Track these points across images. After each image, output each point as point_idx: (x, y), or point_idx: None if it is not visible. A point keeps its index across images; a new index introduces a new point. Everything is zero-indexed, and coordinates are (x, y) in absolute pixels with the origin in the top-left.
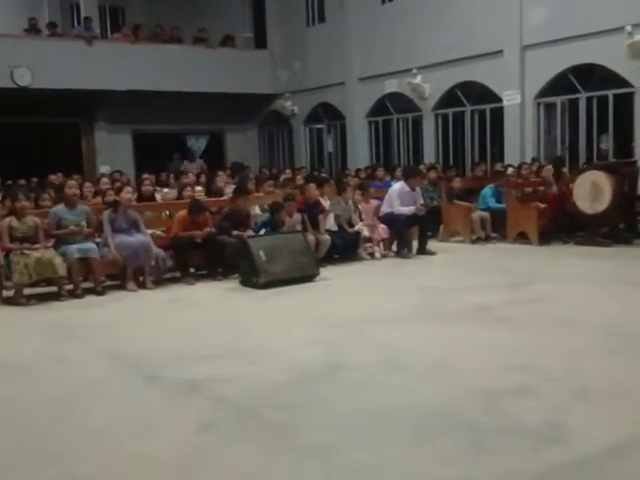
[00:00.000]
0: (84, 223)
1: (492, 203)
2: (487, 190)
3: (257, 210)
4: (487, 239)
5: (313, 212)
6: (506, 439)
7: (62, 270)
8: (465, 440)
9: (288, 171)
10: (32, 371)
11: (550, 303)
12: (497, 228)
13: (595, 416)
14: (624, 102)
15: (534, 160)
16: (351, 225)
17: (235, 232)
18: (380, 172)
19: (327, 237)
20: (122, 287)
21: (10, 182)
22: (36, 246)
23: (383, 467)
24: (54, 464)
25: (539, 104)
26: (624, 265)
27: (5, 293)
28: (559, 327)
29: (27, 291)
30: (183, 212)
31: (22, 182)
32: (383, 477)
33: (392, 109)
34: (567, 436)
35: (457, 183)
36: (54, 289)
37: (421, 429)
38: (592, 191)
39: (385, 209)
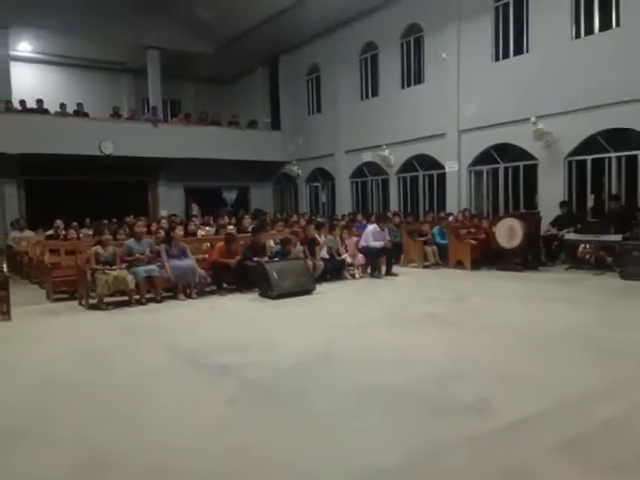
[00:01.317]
0: (148, 252)
1: (438, 239)
2: (435, 230)
3: (272, 243)
4: (435, 265)
5: (311, 245)
6: (450, 411)
7: (132, 285)
8: (422, 412)
9: (294, 216)
10: (109, 357)
11: (480, 312)
12: (442, 257)
13: (513, 395)
14: (530, 170)
15: (465, 210)
16: (338, 254)
17: (255, 259)
18: (359, 217)
19: (321, 263)
20: (174, 297)
21: (97, 222)
22: (114, 267)
23: (368, 431)
24: (123, 424)
25: (471, 171)
26: (532, 285)
27: (91, 301)
28: (487, 330)
29: (106, 300)
30: (221, 243)
31: (106, 222)
32: (369, 439)
33: (368, 173)
34: (493, 409)
35: (426, 227)
36: (126, 298)
37: (391, 404)
38: (509, 232)
39: (362, 243)
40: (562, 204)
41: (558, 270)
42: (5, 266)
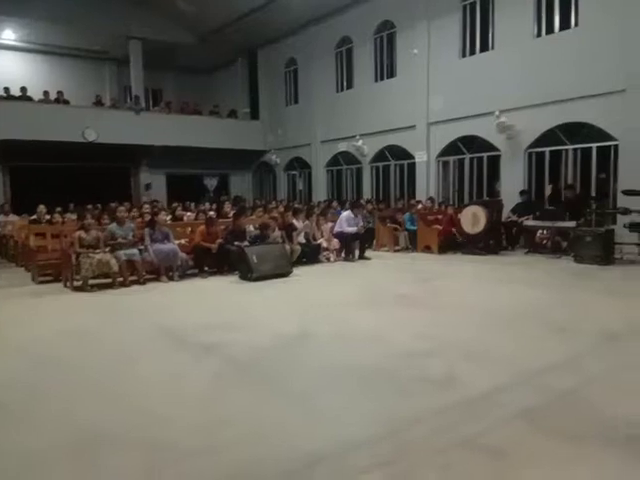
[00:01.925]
0: (130, 236)
1: (408, 225)
2: (406, 216)
3: (251, 228)
4: (405, 250)
5: (289, 230)
6: (419, 386)
7: (115, 268)
8: (392, 387)
9: (273, 202)
10: (95, 336)
11: (446, 292)
12: (412, 242)
13: (476, 369)
14: (493, 161)
15: (430, 198)
16: (314, 239)
17: (236, 243)
18: (334, 204)
19: (298, 247)
20: (157, 280)
21: (81, 207)
22: (97, 251)
23: (342, 406)
24: (113, 400)
25: (439, 161)
26: (493, 268)
27: (75, 283)
28: (452, 309)
29: (91, 282)
30: (202, 227)
31: (89, 207)
32: (345, 413)
33: (342, 162)
34: (457, 383)
35: (399, 216)
36: (109, 281)
37: (364, 379)
38: (472, 219)
39: (337, 228)
40: (522, 193)
41: (518, 254)
42: None
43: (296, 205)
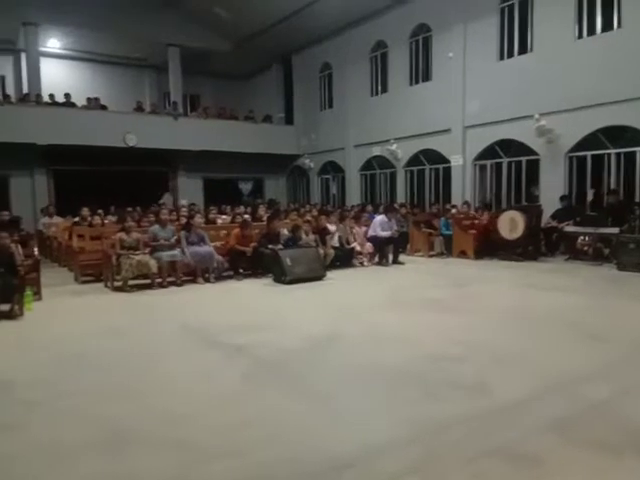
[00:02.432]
0: (172, 239)
1: (443, 230)
2: (441, 221)
3: (285, 231)
4: (440, 255)
5: (323, 234)
6: (449, 390)
7: (154, 269)
8: (422, 391)
9: (307, 206)
10: (131, 333)
11: (480, 298)
12: (447, 247)
13: (508, 376)
14: (532, 165)
15: (466, 202)
16: (348, 243)
17: (270, 246)
18: (368, 208)
19: (332, 251)
20: (193, 281)
21: (121, 209)
22: (137, 252)
23: (371, 409)
24: (140, 399)
25: (475, 165)
26: (530, 274)
27: (115, 283)
28: (485, 314)
29: (130, 282)
30: (237, 230)
31: (130, 209)
32: (371, 416)
33: (376, 166)
34: (489, 389)
35: (436, 221)
36: (148, 281)
37: (393, 383)
38: (510, 224)
39: (371, 232)
40: (562, 198)
41: (557, 261)
42: (36, 250)
43: (329, 209)
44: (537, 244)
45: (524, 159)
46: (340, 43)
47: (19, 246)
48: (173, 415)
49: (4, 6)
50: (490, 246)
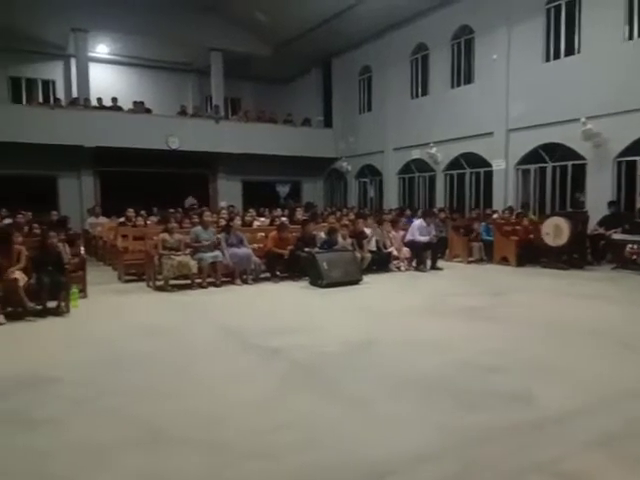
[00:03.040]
0: (214, 240)
1: (484, 236)
2: (482, 226)
3: (322, 234)
4: (480, 261)
5: (360, 238)
6: (489, 401)
7: (194, 269)
8: (459, 400)
9: (344, 210)
10: (171, 333)
11: (521, 306)
12: (487, 253)
13: (550, 388)
14: (578, 170)
15: (509, 207)
16: (385, 247)
17: (306, 249)
18: (407, 212)
19: (369, 255)
20: (232, 283)
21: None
22: (178, 253)
23: (406, 417)
24: (176, 398)
25: (518, 170)
26: (575, 282)
27: (157, 283)
28: (526, 323)
29: (171, 282)
30: (274, 232)
31: (172, 210)
32: (407, 423)
33: (415, 170)
34: (530, 401)
35: (476, 225)
36: (188, 282)
37: (428, 390)
38: (554, 231)
39: (409, 237)
40: (610, 204)
41: (604, 270)
42: (82, 249)
43: (367, 212)
44: (583, 252)
45: (570, 164)
46: (380, 46)
47: (66, 245)
48: (208, 416)
49: (55, 13)
50: (533, 253)
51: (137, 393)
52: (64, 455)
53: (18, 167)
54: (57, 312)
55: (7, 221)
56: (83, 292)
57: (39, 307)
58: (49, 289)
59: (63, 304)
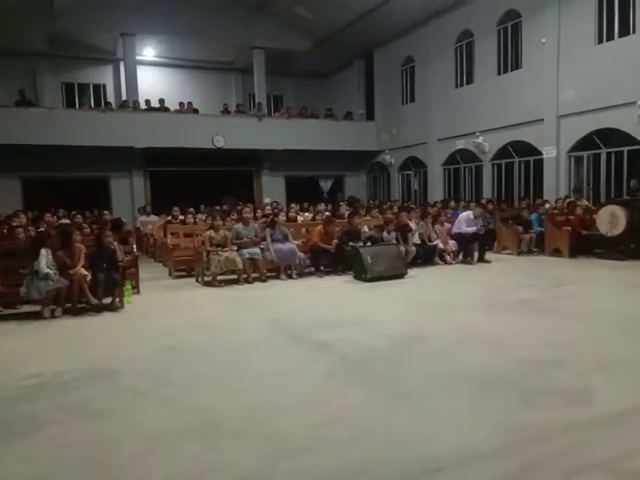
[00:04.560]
0: (253, 236)
1: (535, 227)
2: (533, 217)
3: (366, 228)
4: (530, 253)
5: (404, 231)
6: (546, 398)
7: (240, 265)
8: (515, 396)
9: (387, 203)
10: (221, 327)
11: (577, 299)
12: (538, 245)
13: (613, 384)
14: (635, 156)
15: (566, 197)
16: (430, 240)
17: (351, 243)
18: (452, 204)
19: (413, 248)
20: (277, 277)
21: (211, 208)
22: (225, 249)
23: (456, 412)
24: (229, 390)
25: (570, 157)
26: (634, 273)
27: (205, 279)
28: (584, 316)
29: (219, 278)
30: (320, 227)
31: (217, 208)
32: (460, 420)
33: (460, 160)
34: (592, 398)
35: (525, 213)
36: (235, 277)
37: (483, 386)
38: (611, 220)
39: (455, 229)
40: None
41: None
42: (134, 246)
43: (411, 205)
44: None
45: (626, 149)
46: (423, 35)
47: (119, 243)
48: (262, 409)
49: (105, 19)
50: (587, 244)
51: (193, 385)
52: (127, 441)
53: (73, 169)
54: (112, 308)
55: (64, 221)
56: (136, 288)
57: (97, 303)
58: (104, 286)
59: (117, 300)
